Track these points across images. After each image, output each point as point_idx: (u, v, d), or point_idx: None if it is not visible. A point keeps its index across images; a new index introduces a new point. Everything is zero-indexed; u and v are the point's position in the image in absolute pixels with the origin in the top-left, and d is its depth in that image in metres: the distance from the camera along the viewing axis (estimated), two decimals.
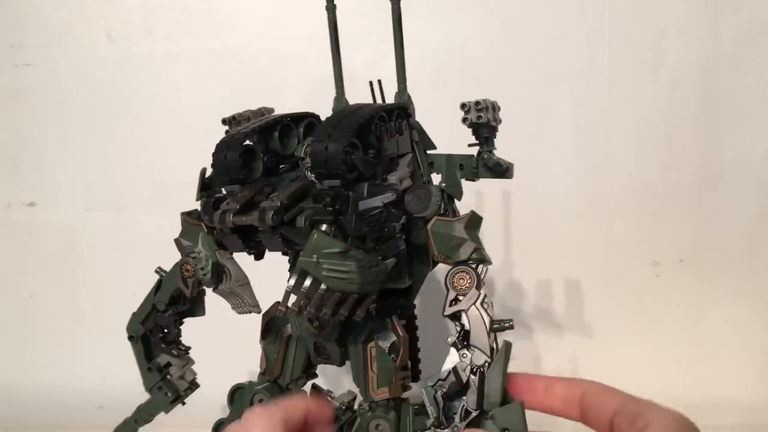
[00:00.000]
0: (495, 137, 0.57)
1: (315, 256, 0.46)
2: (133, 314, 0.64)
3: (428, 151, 0.61)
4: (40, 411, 1.11)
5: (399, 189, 0.51)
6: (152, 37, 1.16)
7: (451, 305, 0.48)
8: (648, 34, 1.10)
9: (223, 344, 1.04)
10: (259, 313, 0.58)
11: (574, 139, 1.13)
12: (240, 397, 0.67)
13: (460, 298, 0.48)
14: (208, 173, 0.58)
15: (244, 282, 0.54)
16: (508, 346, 0.45)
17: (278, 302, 0.51)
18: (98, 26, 1.16)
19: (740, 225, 1.14)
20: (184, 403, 0.66)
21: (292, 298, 0.48)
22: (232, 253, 0.54)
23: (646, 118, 1.12)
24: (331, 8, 0.60)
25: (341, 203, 0.47)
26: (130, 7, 1.16)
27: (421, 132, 0.61)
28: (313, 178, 0.52)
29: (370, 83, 0.61)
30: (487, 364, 0.44)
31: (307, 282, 0.47)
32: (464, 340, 0.46)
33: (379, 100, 0.61)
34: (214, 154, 0.53)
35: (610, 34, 1.09)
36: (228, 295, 0.55)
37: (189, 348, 0.67)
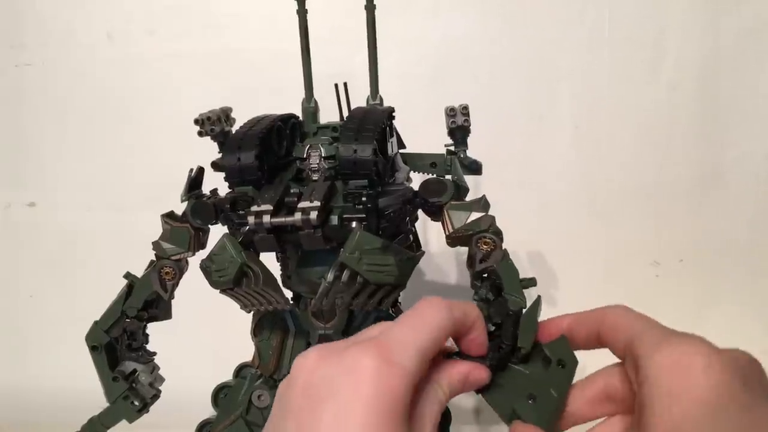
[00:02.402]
0: (468, 138, 0.62)
1: (358, 252, 0.49)
2: (96, 323, 0.62)
3: (402, 151, 0.64)
4: (40, 411, 1.11)
5: (410, 187, 0.55)
6: (152, 37, 1.16)
7: (480, 263, 0.50)
8: (648, 33, 1.10)
9: (201, 345, 1.05)
10: (288, 308, 0.58)
11: (574, 139, 1.13)
12: (227, 396, 0.66)
13: (488, 257, 0.51)
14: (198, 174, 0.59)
15: (272, 281, 0.55)
16: (539, 298, 0.46)
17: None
18: (98, 26, 1.16)
19: (740, 225, 1.14)
20: (148, 411, 0.64)
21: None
22: (259, 254, 0.55)
23: (646, 117, 1.12)
24: (302, 12, 0.62)
25: (372, 202, 0.51)
26: (131, 7, 1.16)
27: (396, 133, 0.64)
28: (317, 178, 0.55)
29: (335, 86, 0.63)
30: (522, 309, 0.47)
31: (345, 276, 0.50)
32: (496, 293, 0.49)
33: (344, 103, 0.63)
34: (224, 156, 0.54)
35: (610, 33, 1.10)
36: (241, 295, 0.55)
37: (155, 353, 0.65)
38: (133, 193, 1.19)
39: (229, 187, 0.56)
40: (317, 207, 0.49)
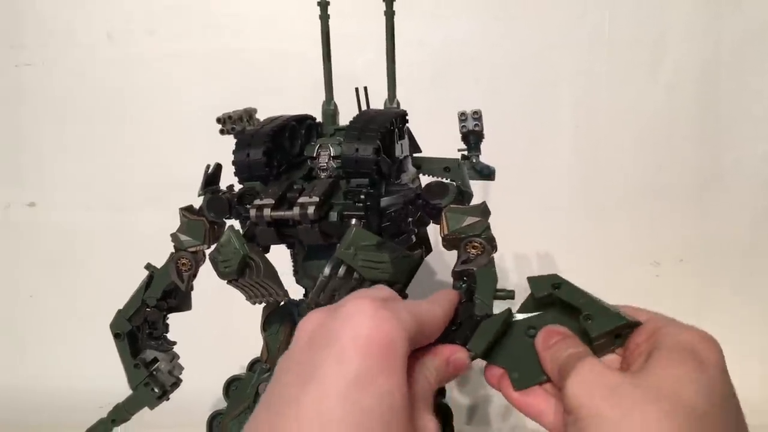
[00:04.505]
0: (481, 143, 0.62)
1: (353, 248, 0.50)
2: (119, 311, 0.64)
3: (416, 155, 0.64)
4: (40, 411, 1.11)
5: (413, 188, 0.56)
6: (152, 37, 1.16)
7: (462, 264, 0.51)
8: (648, 35, 1.10)
9: (206, 345, 1.05)
10: (287, 300, 0.59)
11: (574, 140, 1.13)
12: (237, 389, 0.67)
13: (472, 260, 0.51)
14: (212, 170, 0.59)
15: (273, 273, 0.56)
16: (508, 310, 0.45)
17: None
18: (98, 26, 1.16)
19: (740, 225, 1.14)
20: (168, 399, 0.66)
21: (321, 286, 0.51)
22: (261, 247, 0.56)
23: (646, 119, 1.12)
24: (324, 17, 0.63)
25: (371, 200, 0.52)
26: (131, 7, 1.16)
27: (411, 136, 0.64)
28: (325, 177, 0.57)
29: (356, 90, 0.64)
30: (486, 316, 0.46)
31: (341, 271, 0.50)
32: (469, 297, 0.48)
33: (364, 106, 0.64)
34: (235, 152, 0.56)
35: (609, 34, 1.10)
36: (246, 286, 0.57)
37: (174, 343, 0.67)
38: (133, 193, 1.19)
39: (239, 182, 0.57)
40: (315, 202, 0.51)
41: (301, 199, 0.51)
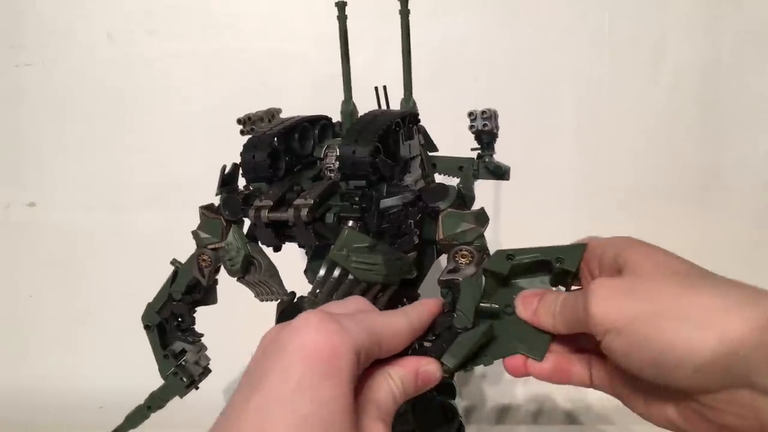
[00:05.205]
0: (495, 142, 0.61)
1: (345, 249, 0.50)
2: (149, 304, 0.66)
3: (432, 154, 0.64)
4: (41, 411, 1.11)
5: (415, 189, 0.56)
6: (152, 37, 1.16)
7: (449, 273, 0.50)
8: (649, 35, 1.10)
9: (210, 345, 1.05)
10: (300, 297, 0.59)
11: (575, 140, 1.13)
12: None
13: (459, 269, 0.50)
14: (228, 170, 0.60)
15: (273, 272, 0.57)
16: (491, 325, 0.45)
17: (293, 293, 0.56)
18: (98, 26, 1.16)
19: (741, 225, 1.14)
20: (197, 388, 0.68)
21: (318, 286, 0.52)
22: (269, 246, 0.57)
23: (647, 119, 1.12)
24: (342, 17, 0.63)
25: (366, 202, 0.52)
26: (131, 7, 1.16)
27: (426, 135, 0.64)
28: (333, 178, 0.57)
29: (376, 89, 0.63)
30: (465, 328, 0.46)
31: (336, 273, 0.51)
32: (452, 307, 0.48)
33: (383, 106, 0.64)
34: (242, 153, 0.57)
35: (610, 35, 1.10)
36: (253, 284, 0.58)
37: (202, 335, 0.69)
38: (133, 193, 1.19)
39: (246, 183, 0.58)
40: (309, 204, 0.51)
41: (297, 201, 0.52)
